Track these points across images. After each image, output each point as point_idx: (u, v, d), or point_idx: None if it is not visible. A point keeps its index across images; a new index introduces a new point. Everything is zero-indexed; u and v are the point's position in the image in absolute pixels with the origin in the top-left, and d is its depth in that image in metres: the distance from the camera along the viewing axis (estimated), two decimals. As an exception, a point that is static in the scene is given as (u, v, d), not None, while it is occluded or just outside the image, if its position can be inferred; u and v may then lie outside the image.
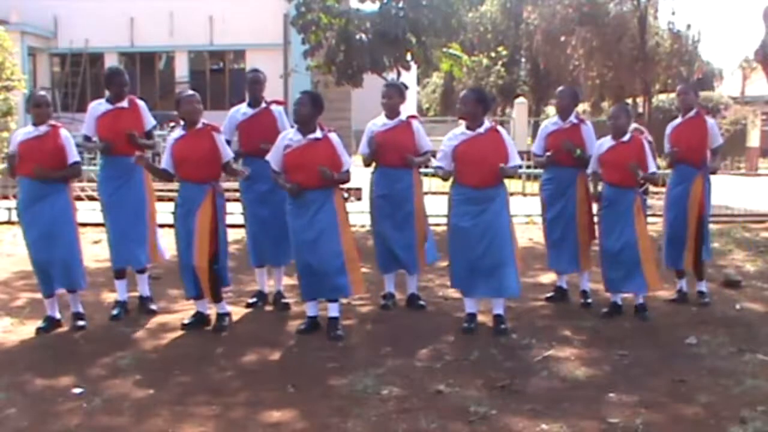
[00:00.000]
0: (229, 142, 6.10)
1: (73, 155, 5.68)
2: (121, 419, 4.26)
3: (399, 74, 10.74)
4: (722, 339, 5.65)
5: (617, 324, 6.06)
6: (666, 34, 24.49)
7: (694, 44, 24.75)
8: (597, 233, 6.40)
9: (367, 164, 6.38)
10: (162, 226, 6.46)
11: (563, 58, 25.31)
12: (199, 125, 5.70)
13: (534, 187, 12.22)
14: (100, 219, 10.27)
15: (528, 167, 12.17)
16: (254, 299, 6.52)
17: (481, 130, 5.72)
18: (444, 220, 5.96)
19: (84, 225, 10.33)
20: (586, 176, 6.46)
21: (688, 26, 24.39)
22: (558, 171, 6.45)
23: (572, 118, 6.47)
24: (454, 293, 6.97)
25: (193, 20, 21.70)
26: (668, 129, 6.69)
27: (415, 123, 6.31)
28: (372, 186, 6.39)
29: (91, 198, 11.78)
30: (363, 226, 9.68)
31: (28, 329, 5.85)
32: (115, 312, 6.18)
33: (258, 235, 6.35)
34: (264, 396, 4.59)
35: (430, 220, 6.71)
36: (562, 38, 24.51)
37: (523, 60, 35.42)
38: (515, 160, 5.80)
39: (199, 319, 5.88)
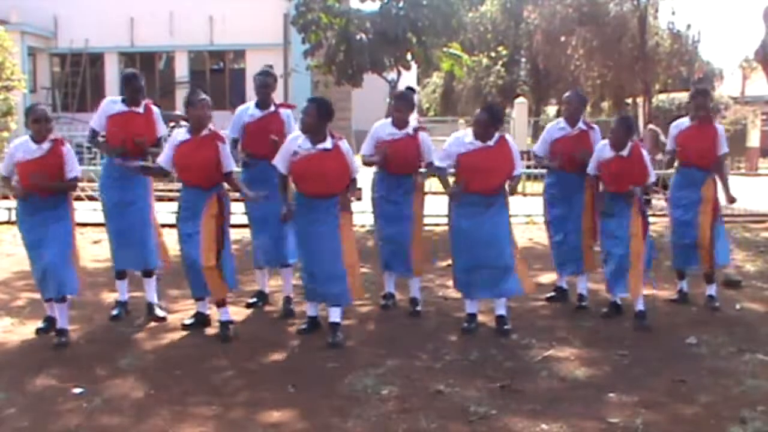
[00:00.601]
0: (236, 142, 6.02)
1: (74, 170, 5.54)
2: (121, 419, 4.26)
3: (399, 74, 10.74)
4: (722, 339, 5.65)
5: (617, 324, 6.05)
6: (666, 34, 24.50)
7: (694, 44, 24.76)
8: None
9: (366, 164, 6.35)
10: (163, 226, 6.45)
11: (563, 58, 25.31)
12: (205, 131, 5.58)
13: (534, 187, 12.22)
14: (100, 219, 10.35)
15: (528, 167, 12.16)
16: (254, 299, 6.51)
17: (491, 142, 5.67)
18: (443, 221, 5.98)
19: (84, 225, 10.37)
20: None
21: (688, 26, 24.44)
22: (563, 176, 6.40)
23: (581, 125, 6.39)
24: (454, 293, 6.97)
25: (193, 20, 21.70)
26: (674, 130, 6.57)
27: (421, 135, 6.21)
28: (373, 186, 6.38)
29: (91, 198, 11.79)
30: (363, 226, 9.68)
31: (28, 329, 5.85)
32: (115, 312, 6.18)
33: (261, 237, 6.30)
34: (264, 396, 4.59)
35: (430, 221, 6.69)
36: (562, 38, 24.51)
37: (523, 60, 35.41)
38: (519, 167, 5.83)
39: (200, 319, 5.88)
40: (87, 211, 10.93)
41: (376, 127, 6.30)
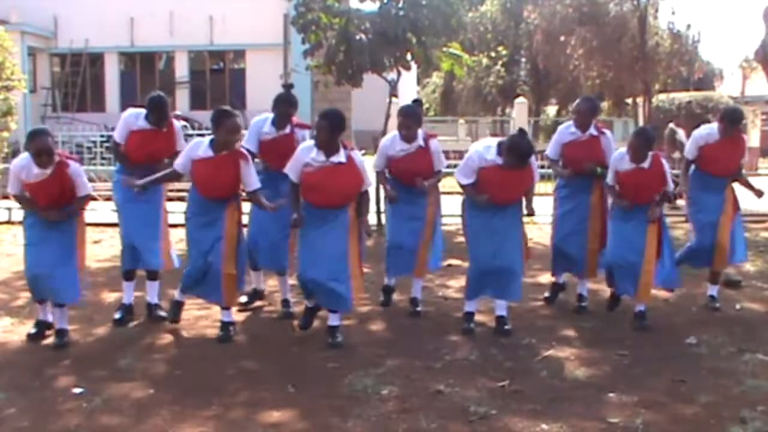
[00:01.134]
0: (252, 153, 5.86)
1: (84, 188, 5.49)
2: (121, 419, 4.26)
3: (399, 74, 10.73)
4: (722, 339, 5.65)
5: (617, 324, 6.05)
6: (666, 34, 24.49)
7: (694, 44, 24.76)
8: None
9: (380, 181, 6.28)
10: (171, 226, 6.44)
11: (563, 58, 25.31)
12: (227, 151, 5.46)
13: (538, 187, 12.17)
14: (100, 219, 10.39)
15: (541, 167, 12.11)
16: (245, 298, 6.43)
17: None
18: (448, 220, 5.95)
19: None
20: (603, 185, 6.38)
21: (688, 26, 24.42)
22: (575, 178, 6.35)
23: (592, 130, 6.29)
24: (454, 293, 6.99)
25: (193, 20, 21.71)
26: (701, 140, 6.41)
27: (433, 144, 6.16)
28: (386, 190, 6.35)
29: (91, 198, 11.79)
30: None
31: (28, 329, 5.83)
32: (118, 316, 6.08)
33: (257, 238, 6.26)
34: (264, 396, 4.59)
35: (441, 221, 6.66)
36: (562, 38, 24.51)
37: (523, 60, 35.40)
38: (536, 179, 5.79)
39: (174, 308, 5.85)
40: (87, 211, 10.92)
41: (385, 144, 6.24)
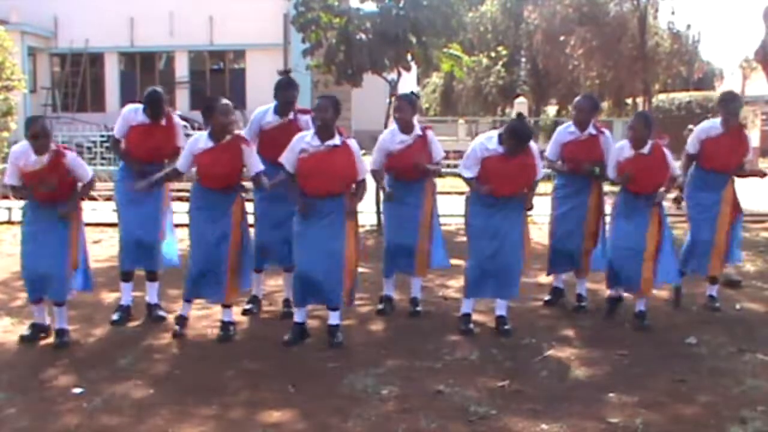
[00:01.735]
0: None
1: (86, 174, 5.48)
2: (121, 419, 4.26)
3: (399, 74, 10.73)
4: (722, 339, 5.65)
5: (617, 324, 6.06)
6: (666, 34, 24.53)
7: (694, 44, 24.82)
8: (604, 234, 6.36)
9: (377, 179, 6.28)
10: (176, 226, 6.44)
11: (563, 58, 25.35)
12: (228, 137, 5.48)
13: (539, 187, 12.16)
14: (100, 219, 10.38)
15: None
16: (249, 306, 6.40)
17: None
18: (448, 220, 5.95)
19: (84, 225, 10.37)
20: (601, 183, 6.39)
21: (688, 26, 24.56)
22: (573, 178, 6.37)
23: (590, 129, 6.30)
24: (454, 293, 6.98)
25: (193, 20, 21.72)
26: (702, 134, 6.40)
27: (430, 135, 6.20)
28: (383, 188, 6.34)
29: (91, 198, 11.79)
30: (362, 226, 9.68)
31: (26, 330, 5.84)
32: (115, 317, 6.08)
33: (265, 236, 6.21)
34: (264, 396, 4.59)
35: (441, 220, 6.65)
36: (562, 38, 24.55)
37: (523, 60, 35.43)
38: (540, 172, 5.80)
39: (181, 322, 5.81)
40: (87, 211, 10.92)
41: (383, 139, 6.22)
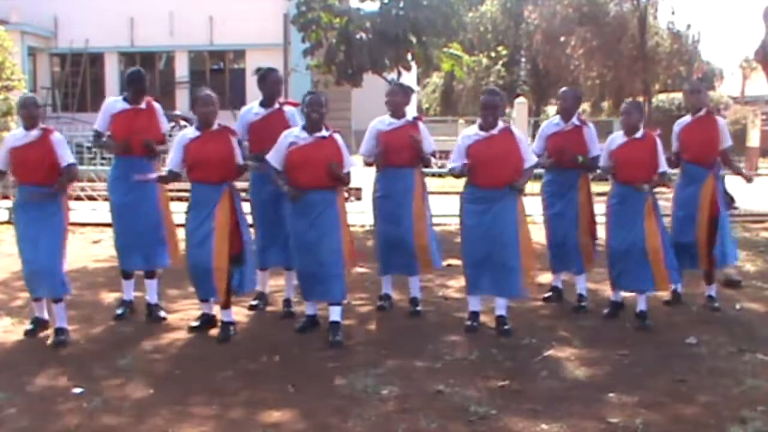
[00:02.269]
0: (241, 143, 5.95)
1: (66, 158, 5.54)
2: (121, 419, 4.26)
3: (399, 74, 10.74)
4: (722, 339, 5.65)
5: (617, 324, 6.05)
6: (666, 34, 24.53)
7: (694, 44, 24.80)
8: (602, 233, 6.37)
9: (367, 164, 6.35)
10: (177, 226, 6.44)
11: (563, 58, 25.34)
12: (215, 127, 5.63)
13: (536, 187, 12.19)
14: (99, 219, 10.38)
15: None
16: (256, 301, 6.48)
17: (495, 131, 5.72)
18: (448, 220, 5.96)
19: (84, 225, 10.38)
20: (588, 178, 6.47)
21: (688, 26, 24.53)
22: (560, 173, 6.43)
23: (574, 120, 6.42)
24: (454, 293, 6.99)
25: (193, 20, 21.70)
26: (677, 127, 6.55)
27: (421, 125, 6.29)
28: (374, 186, 6.37)
29: (91, 198, 11.80)
30: (363, 226, 9.68)
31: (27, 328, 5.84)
32: (119, 311, 6.15)
33: (266, 237, 6.24)
34: (264, 396, 4.59)
35: (435, 220, 6.66)
36: (562, 38, 24.54)
37: (523, 60, 35.42)
38: (530, 159, 5.82)
39: (206, 320, 5.86)
40: (87, 211, 10.94)
41: (374, 124, 6.34)
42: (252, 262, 5.79)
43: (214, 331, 5.77)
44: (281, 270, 6.52)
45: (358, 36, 10.23)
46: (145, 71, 6.41)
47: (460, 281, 6.94)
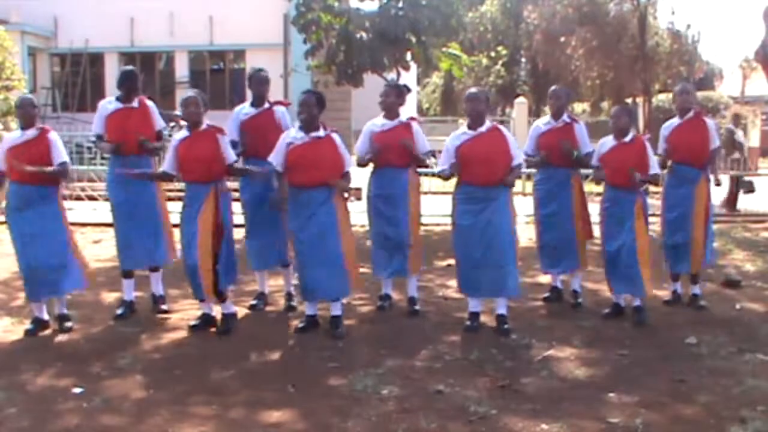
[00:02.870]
0: (234, 144, 6.00)
1: (60, 156, 5.62)
2: (121, 419, 4.26)
3: (399, 74, 10.74)
4: (722, 339, 5.64)
5: (617, 324, 6.05)
6: (666, 34, 24.51)
7: (694, 44, 24.76)
8: (598, 233, 6.39)
9: (361, 165, 6.34)
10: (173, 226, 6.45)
11: (563, 58, 25.32)
12: (204, 126, 5.68)
13: (523, 187, 12.20)
14: (99, 219, 10.39)
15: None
16: (255, 301, 6.48)
17: (483, 129, 5.74)
18: (443, 220, 5.95)
19: (84, 225, 10.38)
20: (581, 176, 6.49)
21: (688, 26, 24.48)
22: (552, 171, 6.43)
23: (565, 117, 6.44)
24: (454, 293, 6.98)
25: (193, 20, 21.69)
26: (665, 130, 6.54)
27: (414, 125, 6.30)
28: (369, 186, 6.38)
29: (90, 198, 11.80)
30: (363, 226, 9.67)
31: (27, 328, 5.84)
32: (120, 311, 6.16)
33: (260, 237, 6.27)
34: (264, 396, 4.59)
35: (430, 220, 6.67)
36: (562, 38, 24.53)
37: (523, 60, 35.44)
38: (519, 157, 5.83)
39: (206, 320, 5.87)
40: (87, 211, 10.94)
41: (367, 125, 6.36)
42: (232, 259, 5.76)
43: (214, 331, 5.77)
44: (280, 270, 6.53)
45: (358, 36, 10.23)
46: (144, 71, 6.46)
47: (460, 281, 6.93)
